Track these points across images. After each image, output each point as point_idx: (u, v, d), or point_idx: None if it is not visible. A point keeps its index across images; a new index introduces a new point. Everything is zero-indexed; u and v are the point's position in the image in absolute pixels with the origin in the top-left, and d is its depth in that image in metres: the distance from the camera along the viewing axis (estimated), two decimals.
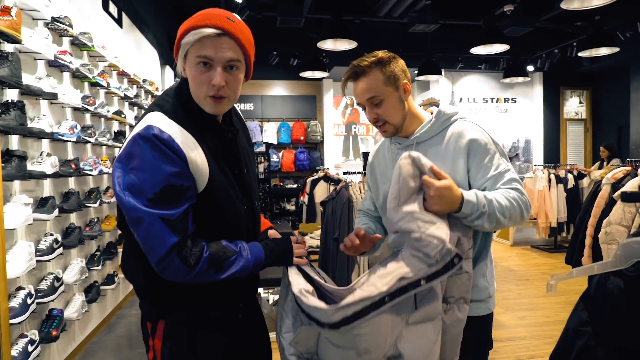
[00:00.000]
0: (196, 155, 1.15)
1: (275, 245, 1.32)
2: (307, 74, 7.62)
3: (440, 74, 7.45)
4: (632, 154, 8.59)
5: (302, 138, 9.40)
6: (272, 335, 1.43)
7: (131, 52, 5.17)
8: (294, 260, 1.33)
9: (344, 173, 3.43)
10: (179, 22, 7.03)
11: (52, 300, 2.71)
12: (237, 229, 1.28)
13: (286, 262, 1.33)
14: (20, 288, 2.46)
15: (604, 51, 6.13)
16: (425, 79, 7.93)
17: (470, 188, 1.36)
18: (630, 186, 3.29)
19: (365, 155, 5.96)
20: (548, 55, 8.67)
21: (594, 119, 10.39)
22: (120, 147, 4.12)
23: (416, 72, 7.84)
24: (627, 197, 1.03)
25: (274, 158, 9.24)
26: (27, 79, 2.66)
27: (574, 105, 10.40)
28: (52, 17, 2.97)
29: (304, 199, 6.20)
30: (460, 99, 9.79)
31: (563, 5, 4.08)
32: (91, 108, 3.47)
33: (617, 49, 6.09)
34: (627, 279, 1.01)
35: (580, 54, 6.49)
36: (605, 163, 7.17)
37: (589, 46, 6.08)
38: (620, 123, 9.52)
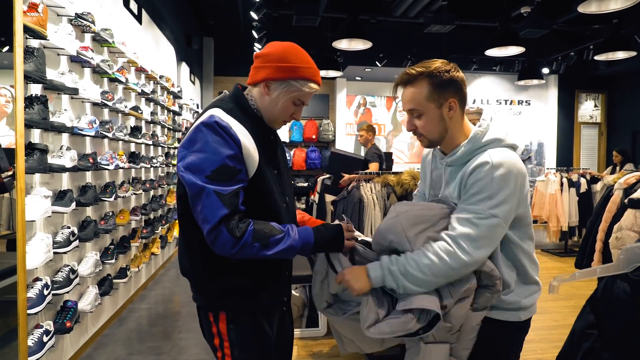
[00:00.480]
0: (249, 144, 1.33)
1: (327, 230, 1.41)
2: (322, 73, 7.61)
3: None
4: None
5: (314, 137, 9.44)
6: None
7: (149, 48, 5.25)
8: (345, 243, 1.42)
9: (355, 173, 3.46)
10: (195, 19, 7.08)
11: (67, 292, 2.77)
12: (278, 221, 1.38)
13: (336, 249, 1.42)
14: (37, 279, 2.53)
15: (620, 55, 6.07)
16: None
17: None
18: None
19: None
20: (564, 58, 8.59)
21: (608, 123, 10.27)
22: (135, 143, 4.24)
23: None
24: (634, 204, 1.05)
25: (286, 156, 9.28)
26: (50, 74, 2.74)
27: (588, 109, 10.29)
28: (75, 14, 3.04)
29: (315, 197, 6.24)
30: (474, 101, 9.75)
31: (580, 9, 4.06)
32: (109, 103, 3.54)
33: (634, 53, 6.02)
34: (633, 283, 1.04)
35: (596, 57, 6.42)
36: (618, 168, 7.09)
37: (606, 50, 6.02)
38: (635, 127, 9.41)
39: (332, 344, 3.44)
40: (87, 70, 3.37)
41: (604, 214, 3.45)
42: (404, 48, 8.39)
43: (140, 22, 4.87)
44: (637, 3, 3.96)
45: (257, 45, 7.99)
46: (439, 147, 1.49)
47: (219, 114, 1.34)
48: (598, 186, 6.61)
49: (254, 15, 6.27)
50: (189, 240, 1.41)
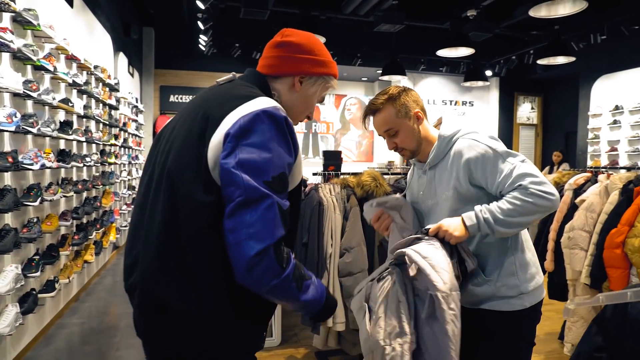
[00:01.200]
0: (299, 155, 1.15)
1: (330, 295, 1.20)
2: None
3: (404, 74, 7.47)
4: (578, 159, 9.00)
5: None
6: None
7: (82, 35, 4.77)
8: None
9: (314, 174, 3.28)
10: (134, 7, 6.58)
11: None
12: (294, 239, 1.23)
13: (323, 318, 1.20)
14: None
15: (561, 60, 6.34)
16: (388, 78, 7.92)
17: (489, 197, 1.48)
18: (591, 192, 3.35)
19: (326, 153, 5.85)
20: (506, 62, 8.92)
21: (544, 125, 10.81)
22: (65, 139, 3.80)
23: (380, 71, 7.81)
24: None
25: None
26: None
27: (526, 111, 10.78)
28: None
29: None
30: None
31: (531, 13, 4.14)
32: (34, 94, 3.12)
33: (573, 59, 6.31)
34: None
35: (538, 62, 6.68)
36: (555, 167, 7.43)
37: (547, 54, 6.26)
38: (568, 129, 9.96)
39: (287, 354, 3.25)
40: (6, 56, 2.94)
41: (555, 213, 3.51)
42: (353, 46, 8.32)
43: (71, 5, 4.40)
44: (581, 10, 4.10)
45: (202, 37, 7.60)
46: (416, 158, 1.65)
47: (280, 108, 1.10)
48: None
49: (200, 4, 5.91)
50: (207, 264, 1.05)
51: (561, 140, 10.21)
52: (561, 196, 3.62)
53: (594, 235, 3.01)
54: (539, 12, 4.13)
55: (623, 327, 0.96)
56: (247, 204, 0.98)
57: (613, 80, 8.39)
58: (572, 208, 3.47)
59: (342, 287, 2.71)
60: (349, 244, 2.69)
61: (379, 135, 1.63)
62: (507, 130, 10.50)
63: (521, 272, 1.49)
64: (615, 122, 8.28)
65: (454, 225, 1.42)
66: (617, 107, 8.25)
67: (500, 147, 1.49)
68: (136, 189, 1.24)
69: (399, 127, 1.56)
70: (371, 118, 1.61)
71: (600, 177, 3.46)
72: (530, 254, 1.55)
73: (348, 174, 3.16)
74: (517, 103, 10.63)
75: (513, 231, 1.41)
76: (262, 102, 1.08)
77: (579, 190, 3.52)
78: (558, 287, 3.38)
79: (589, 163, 8.53)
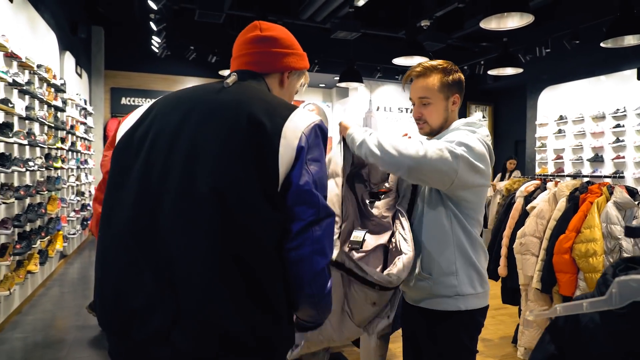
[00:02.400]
0: None
1: None
2: (226, 72, 7.27)
3: (361, 81, 7.54)
4: (527, 166, 9.41)
5: None
6: None
7: (23, 32, 4.49)
8: None
9: None
10: (82, 4, 6.29)
11: None
12: None
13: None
14: None
15: (509, 71, 6.60)
16: (346, 85, 7.98)
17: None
18: (540, 199, 3.49)
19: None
20: None
21: (495, 133, 11.25)
22: (5, 142, 3.55)
23: (337, 78, 7.86)
24: (631, 232, 0.98)
25: None
26: None
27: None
28: None
29: None
30: (378, 108, 10.04)
31: (482, 24, 4.29)
32: None
33: (521, 70, 6.59)
34: (606, 314, 0.95)
35: (489, 72, 6.93)
36: (508, 175, 7.72)
37: (497, 65, 6.51)
38: (517, 137, 10.41)
39: None
40: None
41: (508, 220, 3.63)
42: (310, 52, 8.23)
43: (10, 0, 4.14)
44: (528, 24, 4.29)
45: (155, 39, 7.37)
46: (429, 137, 1.59)
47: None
48: (490, 191, 7.12)
49: (152, 5, 5.73)
50: (276, 286, 0.97)
51: (511, 148, 10.65)
52: (512, 203, 3.75)
53: (544, 241, 3.13)
54: (489, 24, 4.29)
55: (575, 335, 0.98)
56: (317, 222, 0.96)
57: (557, 91, 8.86)
58: (524, 215, 3.60)
59: None
60: None
61: (411, 99, 1.61)
62: None
63: (462, 273, 1.46)
64: (560, 131, 8.72)
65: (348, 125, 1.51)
66: (561, 117, 8.70)
67: (470, 143, 1.43)
68: (103, 207, 0.98)
69: (435, 100, 1.54)
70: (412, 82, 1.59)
71: (549, 184, 3.61)
72: (479, 263, 1.50)
73: None
74: (469, 112, 11.01)
75: (371, 149, 1.39)
76: (308, 114, 1.07)
77: (529, 197, 3.66)
78: (511, 292, 3.50)
79: (537, 170, 8.94)
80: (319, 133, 1.03)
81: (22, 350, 3.39)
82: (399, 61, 6.11)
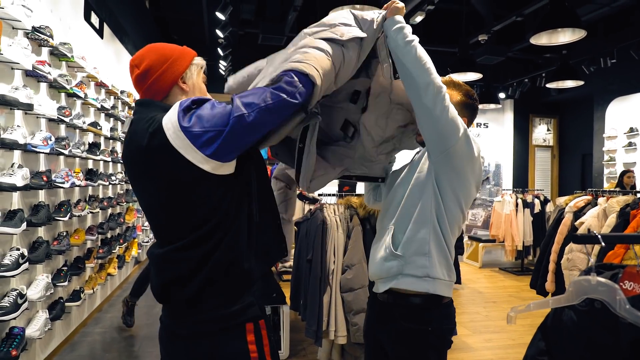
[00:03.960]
0: None
1: None
2: None
3: None
4: (594, 181, 8.97)
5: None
6: None
7: (110, 62, 5.14)
8: None
9: (319, 195, 3.48)
10: (160, 34, 6.99)
11: (14, 319, 2.62)
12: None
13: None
14: None
15: (570, 84, 6.44)
16: None
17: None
18: (589, 215, 3.45)
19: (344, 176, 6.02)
20: (519, 84, 9.03)
21: (560, 146, 10.81)
22: (93, 159, 4.11)
23: None
24: (578, 240, 1.12)
25: None
26: (2, 88, 2.63)
27: (542, 132, 10.80)
28: (32, 27, 2.95)
29: None
30: None
31: (532, 41, 4.30)
32: (67, 119, 3.43)
33: (581, 82, 6.39)
34: (579, 313, 1.09)
35: (548, 85, 6.78)
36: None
37: (556, 78, 6.38)
38: (584, 151, 9.94)
39: None
40: (44, 85, 3.26)
41: (556, 235, 3.61)
42: None
43: (101, 36, 4.77)
44: (583, 37, 4.24)
45: (222, 63, 7.97)
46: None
47: None
48: (549, 207, 6.92)
49: (219, 33, 6.27)
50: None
51: (578, 162, 10.18)
52: (561, 219, 3.73)
53: (592, 257, 3.11)
54: (540, 40, 4.28)
55: (558, 333, 1.11)
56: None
57: (627, 103, 8.40)
58: (572, 230, 3.57)
59: (344, 302, 2.88)
60: (350, 261, 2.87)
61: None
62: (523, 152, 10.53)
63: (434, 256, 1.47)
64: (630, 144, 8.26)
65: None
66: (631, 130, 8.25)
67: (474, 143, 1.52)
68: None
69: None
70: None
71: (600, 200, 3.56)
72: (450, 253, 1.52)
73: (355, 194, 3.35)
74: (532, 125, 10.68)
75: (410, 58, 1.46)
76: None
77: (579, 213, 3.62)
78: None
79: (605, 185, 8.49)
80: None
81: (101, 342, 3.87)
82: (452, 77, 6.17)
